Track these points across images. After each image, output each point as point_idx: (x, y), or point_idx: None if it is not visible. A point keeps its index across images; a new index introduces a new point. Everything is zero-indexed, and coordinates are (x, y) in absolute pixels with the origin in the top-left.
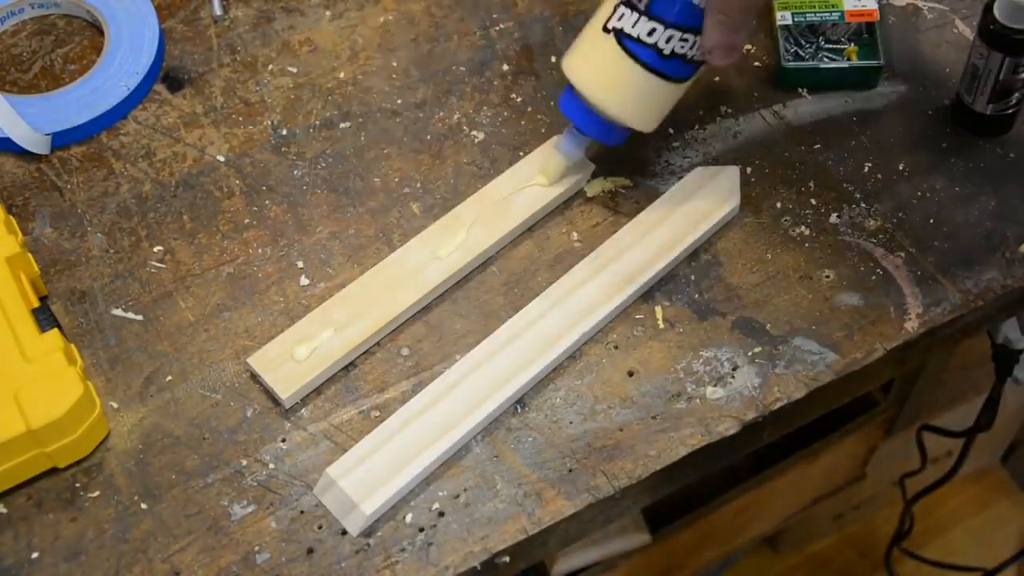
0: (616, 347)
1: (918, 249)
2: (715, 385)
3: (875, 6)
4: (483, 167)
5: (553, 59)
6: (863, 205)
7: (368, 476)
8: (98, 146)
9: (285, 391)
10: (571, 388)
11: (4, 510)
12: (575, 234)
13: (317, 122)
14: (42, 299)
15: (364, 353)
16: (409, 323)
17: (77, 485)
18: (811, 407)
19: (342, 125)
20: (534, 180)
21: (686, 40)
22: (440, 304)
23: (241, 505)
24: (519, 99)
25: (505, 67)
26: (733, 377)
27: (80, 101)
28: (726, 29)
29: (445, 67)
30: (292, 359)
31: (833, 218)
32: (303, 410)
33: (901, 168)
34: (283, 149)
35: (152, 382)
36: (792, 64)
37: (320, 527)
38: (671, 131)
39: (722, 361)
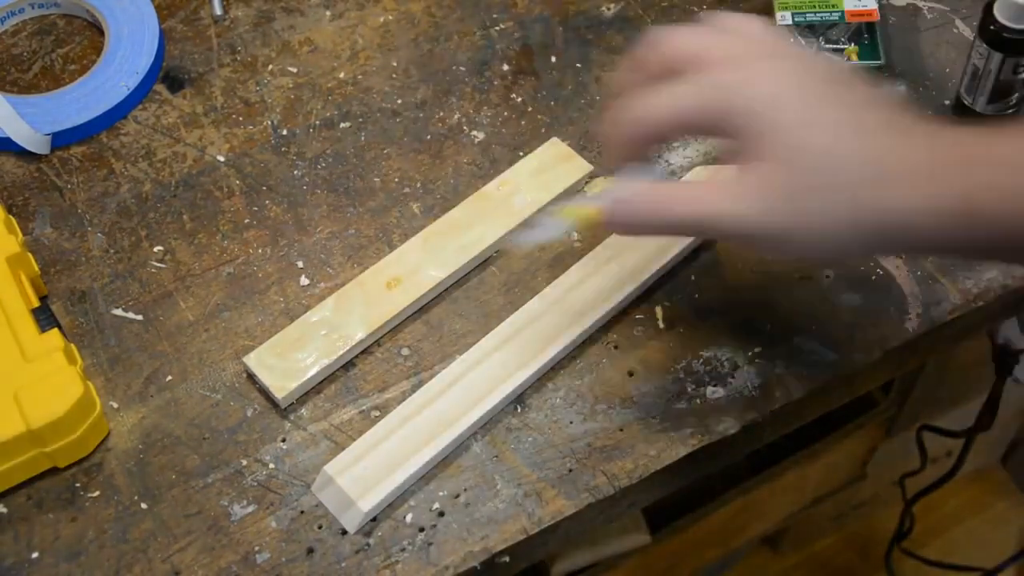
0: (616, 347)
1: None
2: (715, 385)
3: (875, 6)
4: (483, 167)
5: (553, 59)
6: None
7: (366, 473)
8: (98, 146)
9: (281, 391)
10: (571, 388)
11: (4, 510)
12: (575, 233)
13: (317, 122)
14: (42, 299)
15: (364, 353)
16: (409, 323)
17: (77, 485)
18: (811, 407)
19: (342, 125)
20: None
21: None
22: (440, 304)
23: (241, 505)
24: (519, 99)
25: (505, 67)
26: (733, 377)
27: (80, 101)
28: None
29: (445, 67)
30: (289, 359)
31: None
32: (303, 410)
33: None
34: (283, 149)
35: (152, 382)
36: None
37: (320, 527)
38: None
39: (722, 361)
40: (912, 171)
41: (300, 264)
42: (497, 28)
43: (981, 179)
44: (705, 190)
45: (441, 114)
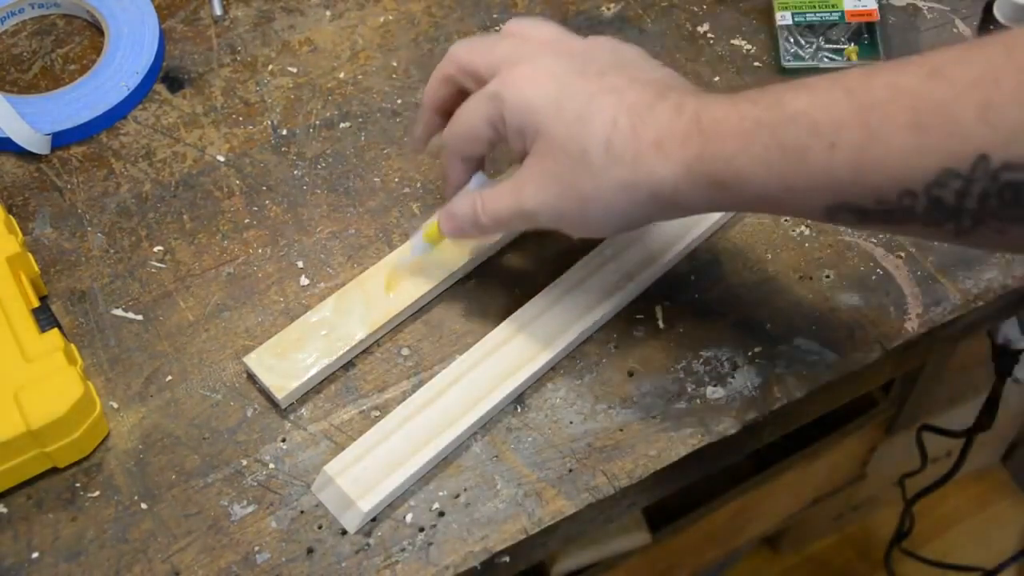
0: (616, 347)
1: (918, 249)
2: (715, 385)
3: (875, 6)
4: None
5: None
6: None
7: (366, 473)
8: (98, 146)
9: (281, 391)
10: (571, 388)
11: (4, 510)
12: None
13: (317, 122)
14: (42, 299)
15: (364, 353)
16: (409, 323)
17: (77, 485)
18: (811, 407)
19: (342, 125)
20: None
21: None
22: (440, 304)
23: (241, 505)
24: None
25: None
26: (733, 377)
27: (80, 101)
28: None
29: None
30: (289, 359)
31: None
32: (303, 410)
33: None
34: (283, 149)
35: (152, 382)
36: (792, 64)
37: (320, 527)
38: None
39: (722, 361)
40: (665, 140)
41: (300, 264)
42: (497, 28)
43: (719, 149)
44: (500, 191)
45: None
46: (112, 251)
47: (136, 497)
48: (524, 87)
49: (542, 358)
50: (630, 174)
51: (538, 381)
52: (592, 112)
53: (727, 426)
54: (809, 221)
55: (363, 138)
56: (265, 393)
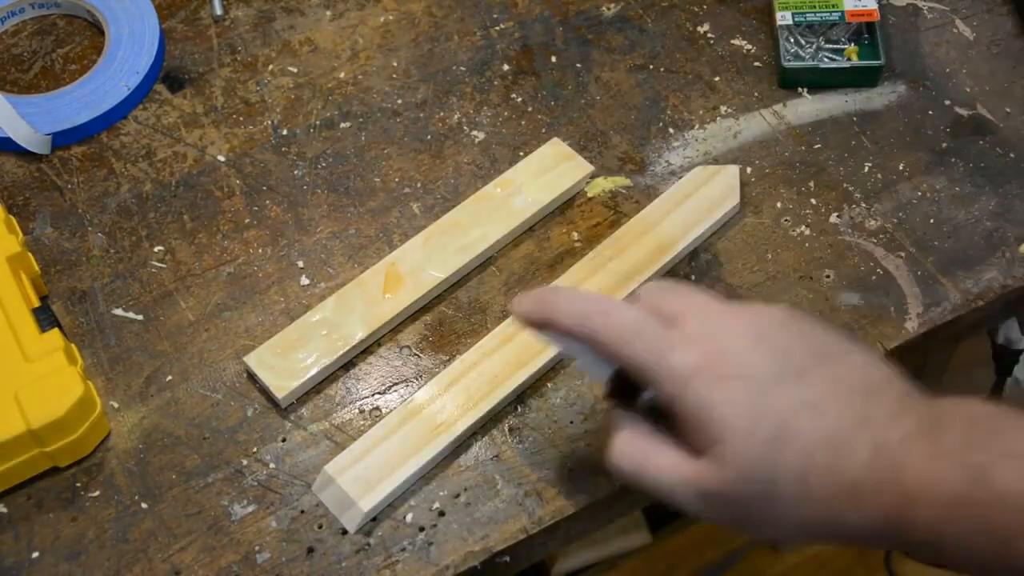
0: None
1: (918, 249)
2: None
3: (875, 6)
4: (483, 167)
5: (553, 59)
6: (863, 205)
7: (366, 473)
8: (98, 146)
9: (281, 390)
10: (571, 388)
11: (4, 510)
12: (575, 234)
13: (317, 122)
14: (42, 299)
15: (364, 352)
16: (409, 323)
17: (77, 485)
18: None
19: (342, 125)
20: None
21: None
22: (440, 304)
23: (241, 505)
24: (519, 99)
25: (505, 67)
26: None
27: (80, 101)
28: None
29: (445, 67)
30: (289, 358)
31: (833, 218)
32: (303, 409)
33: (901, 168)
34: (283, 149)
35: (152, 382)
36: (792, 64)
37: (320, 526)
38: (671, 131)
39: None
40: (862, 488)
41: (300, 264)
42: (497, 28)
43: (918, 515)
44: (669, 458)
45: (441, 114)
46: (112, 251)
47: (136, 497)
48: (713, 389)
49: (542, 358)
50: (821, 516)
51: (538, 381)
52: (787, 439)
53: None
54: (809, 221)
55: (363, 138)
56: (265, 393)
